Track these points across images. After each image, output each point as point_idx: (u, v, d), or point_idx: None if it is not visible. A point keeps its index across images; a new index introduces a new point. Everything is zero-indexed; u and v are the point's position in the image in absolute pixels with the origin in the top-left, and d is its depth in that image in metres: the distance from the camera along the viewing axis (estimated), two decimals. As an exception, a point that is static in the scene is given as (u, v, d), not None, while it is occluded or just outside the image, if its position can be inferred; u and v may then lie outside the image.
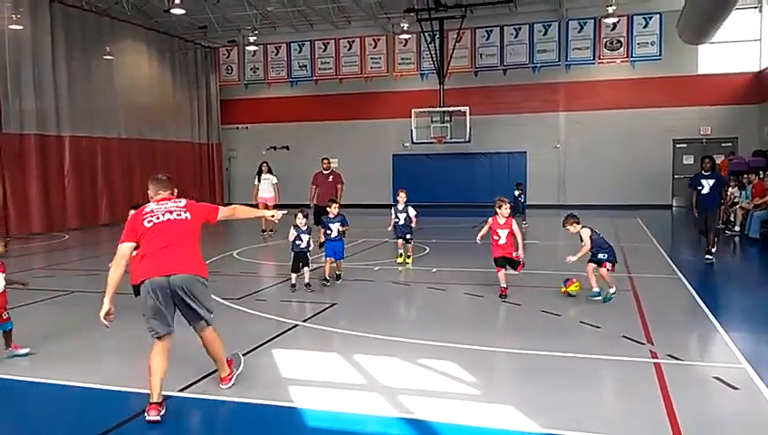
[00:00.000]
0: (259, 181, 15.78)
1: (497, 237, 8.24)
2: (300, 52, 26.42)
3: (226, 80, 27.43)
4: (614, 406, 4.88)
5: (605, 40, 23.28)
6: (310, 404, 4.77)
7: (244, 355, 5.62)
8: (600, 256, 7.96)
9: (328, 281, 9.03)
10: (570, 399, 4.84)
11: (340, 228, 9.21)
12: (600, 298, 7.86)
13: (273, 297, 8.71)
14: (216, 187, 26.70)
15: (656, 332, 6.57)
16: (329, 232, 9.16)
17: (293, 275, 8.88)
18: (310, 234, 8.80)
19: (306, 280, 8.78)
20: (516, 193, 16.87)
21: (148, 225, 4.61)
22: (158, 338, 4.58)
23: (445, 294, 8.91)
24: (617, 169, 23.04)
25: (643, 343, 6.18)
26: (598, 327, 6.77)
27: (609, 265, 7.92)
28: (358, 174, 24.63)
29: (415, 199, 23.96)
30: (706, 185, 11.09)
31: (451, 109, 22.82)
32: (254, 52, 26.45)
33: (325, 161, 14.17)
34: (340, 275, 9.42)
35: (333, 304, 8.06)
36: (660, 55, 22.80)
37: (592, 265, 8.04)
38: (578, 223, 8.03)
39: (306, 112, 26.06)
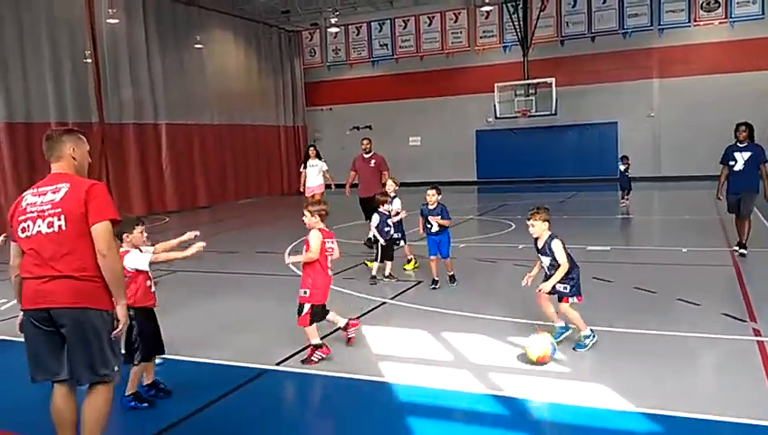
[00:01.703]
0: (305, 168, 13.62)
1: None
2: (380, 31, 26.44)
3: (310, 62, 27.89)
4: (714, 386, 4.70)
5: (701, 1, 21.85)
6: (400, 380, 4.89)
7: (334, 332, 5.80)
8: (560, 286, 5.37)
9: (437, 283, 7.78)
10: (666, 378, 4.70)
11: (440, 222, 7.76)
12: (566, 333, 5.56)
13: (361, 275, 8.87)
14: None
15: (759, 309, 6.23)
16: (428, 225, 7.84)
17: (389, 265, 8.24)
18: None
19: (387, 271, 8.27)
20: (622, 168, 15.54)
21: (22, 235, 3.40)
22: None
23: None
24: (717, 138, 21.33)
25: (745, 321, 5.89)
26: (696, 305, 6.49)
27: (573, 298, 5.40)
28: (441, 151, 24.60)
29: (499, 175, 24.01)
30: (740, 159, 8.81)
31: (536, 81, 22.24)
32: (336, 33, 26.71)
33: (365, 142, 11.97)
34: (452, 275, 7.95)
35: (419, 282, 8.14)
36: (763, 14, 21.15)
37: (546, 296, 5.50)
38: (548, 220, 5.62)
39: (388, 91, 26.13)
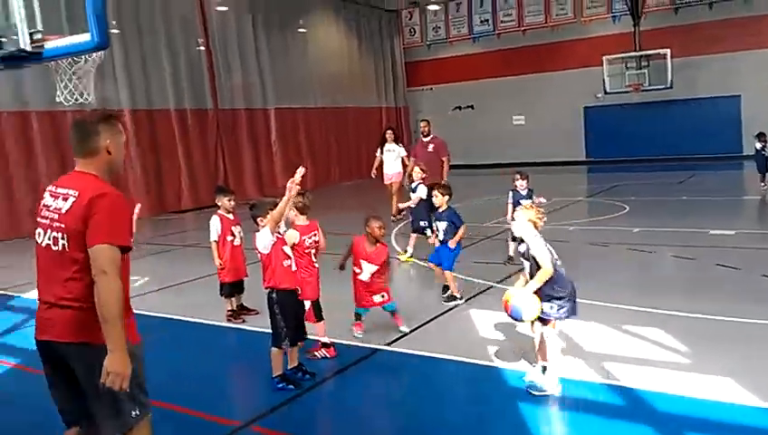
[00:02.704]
0: (382, 153, 12.38)
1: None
2: (481, 6, 25.83)
3: (410, 42, 27.77)
4: None
5: (842, -45, 19.69)
6: (508, 365, 4.85)
7: (439, 316, 5.83)
8: (549, 305, 4.27)
9: (458, 297, 6.64)
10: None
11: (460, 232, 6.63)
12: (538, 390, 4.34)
13: (467, 258, 8.82)
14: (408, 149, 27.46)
15: None
16: (437, 232, 6.90)
17: (512, 246, 7.45)
18: (531, 197, 7.85)
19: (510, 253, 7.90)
20: (758, 146, 13.52)
21: (37, 239, 2.87)
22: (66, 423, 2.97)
23: (648, 256, 8.40)
24: None
25: None
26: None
27: (561, 322, 4.45)
28: (546, 130, 23.83)
29: (610, 154, 22.97)
30: None
31: (649, 52, 20.96)
32: (436, 11, 26.44)
33: (423, 125, 11.07)
34: (446, 289, 6.72)
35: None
36: None
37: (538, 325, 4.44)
38: (532, 220, 4.43)
39: (489, 69, 25.55)
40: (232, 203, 6.43)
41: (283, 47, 20.99)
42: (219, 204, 6.45)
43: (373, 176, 12.84)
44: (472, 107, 25.90)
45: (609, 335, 5.38)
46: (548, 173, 19.57)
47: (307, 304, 5.16)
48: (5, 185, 13.72)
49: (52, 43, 3.86)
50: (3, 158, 13.71)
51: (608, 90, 21.77)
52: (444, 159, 10.40)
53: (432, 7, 25.91)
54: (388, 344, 5.42)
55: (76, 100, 7.12)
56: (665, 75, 20.55)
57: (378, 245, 5.52)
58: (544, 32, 24.45)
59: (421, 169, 8.94)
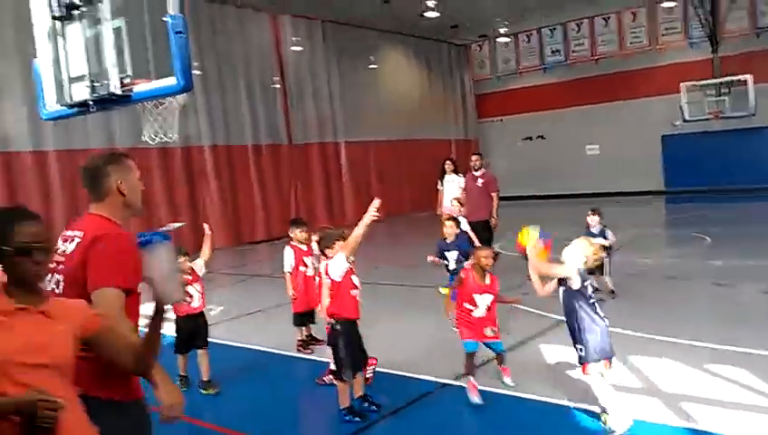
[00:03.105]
0: (442, 185, 11.71)
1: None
2: (552, 36, 25.71)
3: (479, 75, 27.87)
4: None
5: None
6: (581, 405, 4.70)
7: (509, 350, 5.72)
8: (579, 347, 4.30)
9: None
10: None
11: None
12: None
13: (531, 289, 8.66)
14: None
15: None
16: (446, 262, 7.09)
17: (609, 280, 7.67)
18: (604, 235, 7.59)
19: (610, 286, 7.74)
20: None
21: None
22: None
23: (733, 291, 8.00)
24: None
25: None
26: None
27: (593, 364, 4.24)
28: (622, 159, 23.21)
29: (690, 184, 22.07)
30: None
31: (729, 79, 20.19)
32: (506, 43, 26.46)
33: (474, 158, 10.52)
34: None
35: (599, 300, 7.76)
36: None
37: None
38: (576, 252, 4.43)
39: (561, 99, 25.24)
40: (305, 235, 6.60)
41: (354, 83, 21.55)
42: (292, 235, 6.64)
43: (439, 214, 11.88)
44: (542, 137, 25.60)
45: (689, 374, 5.15)
46: (624, 205, 19.03)
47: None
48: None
49: (141, 87, 4.05)
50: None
51: (687, 117, 21.03)
52: (493, 194, 9.97)
53: (502, 39, 25.93)
54: (456, 379, 5.38)
55: (161, 138, 7.55)
56: (747, 101, 19.69)
57: (488, 275, 5.27)
58: (618, 60, 24.02)
59: (459, 202, 9.08)
